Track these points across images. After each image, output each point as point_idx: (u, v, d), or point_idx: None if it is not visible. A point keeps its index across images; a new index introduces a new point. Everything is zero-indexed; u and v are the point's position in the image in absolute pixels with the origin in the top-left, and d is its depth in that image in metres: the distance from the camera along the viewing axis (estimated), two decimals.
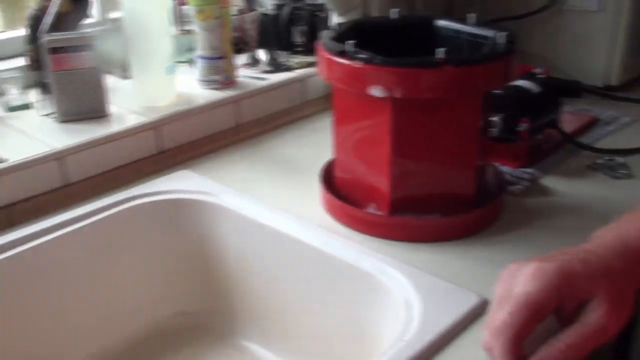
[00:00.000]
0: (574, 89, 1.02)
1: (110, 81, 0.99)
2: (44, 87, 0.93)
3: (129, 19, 0.93)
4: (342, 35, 0.78)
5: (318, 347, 0.79)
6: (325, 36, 0.77)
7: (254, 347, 0.86)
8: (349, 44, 0.71)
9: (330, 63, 0.73)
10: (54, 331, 0.80)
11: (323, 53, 0.75)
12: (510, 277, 0.53)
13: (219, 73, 1.02)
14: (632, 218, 0.56)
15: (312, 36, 1.15)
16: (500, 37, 0.74)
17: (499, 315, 0.50)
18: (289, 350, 0.83)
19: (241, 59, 1.13)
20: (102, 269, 0.84)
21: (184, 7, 1.14)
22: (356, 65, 0.70)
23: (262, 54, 1.12)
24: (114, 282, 0.85)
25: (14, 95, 0.96)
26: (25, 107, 0.96)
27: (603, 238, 0.55)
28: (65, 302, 0.81)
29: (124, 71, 1.07)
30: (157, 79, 0.97)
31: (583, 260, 0.52)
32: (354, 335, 0.75)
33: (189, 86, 1.04)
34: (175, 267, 0.89)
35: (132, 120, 0.92)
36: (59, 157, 0.84)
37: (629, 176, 0.90)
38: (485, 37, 0.78)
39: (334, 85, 0.77)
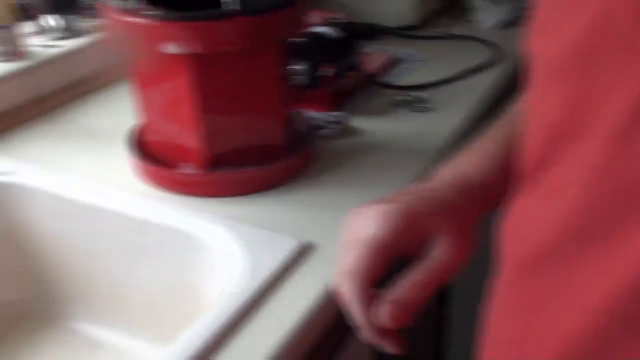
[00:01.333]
0: (371, 31, 1.06)
1: None
2: None
3: None
4: None
5: (149, 316, 0.78)
6: None
7: (85, 327, 0.83)
8: (133, 1, 0.68)
9: (118, 23, 0.70)
10: None
11: (109, 13, 0.71)
12: (356, 222, 0.53)
13: (3, 44, 0.94)
14: (469, 155, 0.57)
15: None
16: None
17: (347, 260, 0.50)
18: (120, 323, 0.80)
19: (29, 27, 1.05)
20: None
21: None
22: (146, 23, 0.68)
23: (52, 20, 1.05)
24: None
25: None
26: None
27: (444, 177, 0.56)
28: None
29: None
30: None
31: (426, 197, 0.53)
32: (182, 297, 0.74)
33: None
34: None
35: None
36: None
37: (428, 109, 0.96)
38: None
39: (127, 47, 0.74)
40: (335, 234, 0.69)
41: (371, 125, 0.92)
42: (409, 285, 0.49)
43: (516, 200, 0.47)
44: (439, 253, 0.50)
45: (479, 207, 0.55)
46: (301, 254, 0.66)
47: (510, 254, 0.46)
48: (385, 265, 0.50)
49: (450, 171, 0.56)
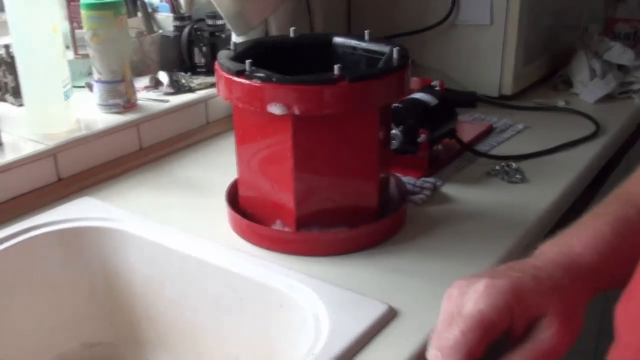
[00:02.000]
0: (469, 100, 1.06)
1: (2, 109, 0.95)
2: None
3: (18, 44, 0.90)
4: (240, 54, 0.78)
5: None
6: (222, 56, 0.77)
7: None
8: (247, 63, 0.71)
9: (229, 82, 0.73)
10: None
11: (221, 73, 0.75)
12: (460, 294, 0.51)
13: (119, 96, 1.00)
14: (575, 232, 0.55)
15: (213, 57, 1.15)
16: (395, 51, 0.76)
17: (450, 334, 0.49)
18: None
19: (142, 81, 1.12)
20: (3, 303, 0.80)
21: (79, 30, 1.11)
22: (254, 84, 0.71)
23: (163, 76, 1.11)
24: (18, 316, 0.81)
25: None
26: None
27: (548, 254, 0.53)
28: None
29: (18, 98, 1.03)
30: (52, 104, 0.93)
31: (533, 276, 0.51)
32: (266, 352, 0.74)
33: (89, 111, 1.02)
34: (81, 297, 0.86)
35: (28, 148, 0.89)
36: None
37: (524, 180, 0.94)
38: (380, 53, 0.80)
39: (234, 105, 0.77)
40: (423, 302, 0.68)
41: (464, 194, 0.91)
42: None
43: (636, 286, 0.45)
44: (545, 336, 0.48)
45: (588, 289, 0.52)
46: (386, 319, 0.66)
47: (627, 339, 0.44)
48: (488, 343, 0.49)
49: (556, 248, 0.54)
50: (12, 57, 0.97)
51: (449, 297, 0.52)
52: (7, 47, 1.00)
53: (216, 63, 0.77)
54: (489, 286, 0.50)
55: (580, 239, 0.54)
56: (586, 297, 0.52)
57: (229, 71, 0.73)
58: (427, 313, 0.66)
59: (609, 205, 0.56)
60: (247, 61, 0.71)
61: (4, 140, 0.90)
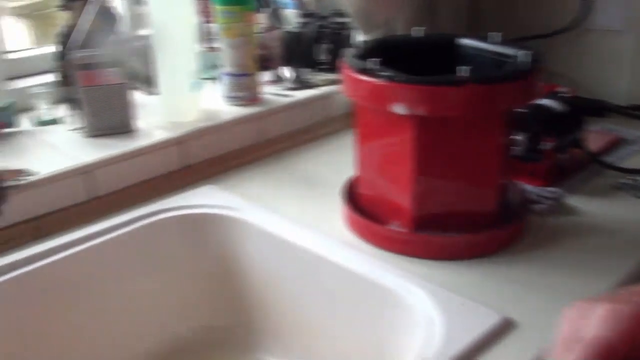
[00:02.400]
0: (598, 108, 1.02)
1: (137, 97, 1.01)
2: (72, 103, 0.95)
3: (157, 36, 0.95)
4: (365, 53, 0.78)
5: None
6: (349, 54, 0.78)
7: None
8: (373, 62, 0.72)
9: (354, 80, 0.74)
10: (77, 343, 0.81)
11: (347, 70, 0.75)
12: (579, 318, 0.49)
13: (244, 90, 1.03)
14: None
15: (336, 54, 1.16)
16: (525, 55, 0.74)
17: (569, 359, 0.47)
18: None
19: (266, 76, 1.15)
20: (125, 282, 0.84)
21: (210, 24, 1.15)
22: (379, 83, 0.71)
23: (286, 72, 1.14)
24: (137, 295, 0.86)
25: (44, 110, 0.98)
26: (54, 121, 0.98)
27: None
28: (87, 314, 0.82)
29: (151, 87, 1.08)
30: (182, 95, 0.98)
31: None
32: (375, 352, 0.74)
33: (214, 102, 1.06)
34: (198, 281, 0.90)
35: (157, 135, 0.94)
36: (86, 171, 0.85)
37: None
38: (508, 56, 0.78)
39: (357, 103, 0.78)
40: (541, 315, 0.66)
41: (588, 206, 0.87)
42: None
43: None
44: None
45: None
46: (501, 329, 0.64)
47: None
48: None
49: None
50: (147, 48, 1.02)
51: (567, 318, 0.50)
52: (143, 37, 1.05)
53: (342, 60, 0.78)
54: (610, 311, 0.48)
55: None
56: None
57: (354, 69, 0.74)
58: (545, 329, 0.63)
59: None
60: (374, 59, 0.72)
61: (137, 126, 0.96)
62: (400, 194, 0.76)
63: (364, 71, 0.72)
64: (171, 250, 0.88)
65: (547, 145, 0.87)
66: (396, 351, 0.71)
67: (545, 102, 0.92)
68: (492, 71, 0.79)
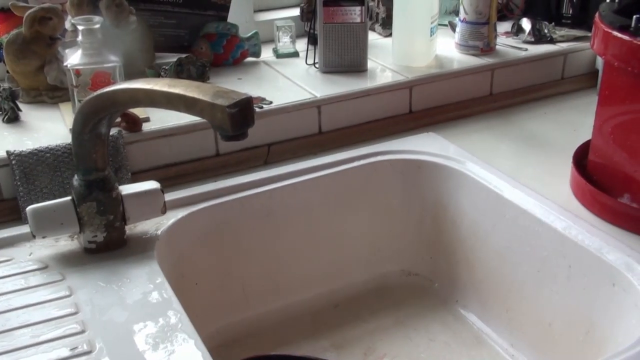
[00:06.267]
0: None
1: (371, 37, 1.02)
2: (312, 38, 0.99)
3: None
4: (624, 9, 0.72)
5: (540, 334, 0.76)
6: (605, 8, 0.72)
7: (473, 319, 0.86)
8: (634, 19, 0.65)
9: (609, 38, 0.68)
10: (289, 265, 0.87)
11: (601, 26, 0.70)
12: None
13: (480, 39, 1.00)
14: None
15: (582, 8, 1.08)
16: None
17: None
18: (508, 330, 0.81)
19: (503, 26, 1.10)
20: (339, 215, 0.88)
21: None
22: (638, 42, 0.65)
23: (526, 23, 1.08)
24: (348, 230, 0.89)
25: (285, 42, 1.04)
26: (294, 54, 1.03)
27: None
28: (303, 240, 0.87)
29: (385, 29, 1.09)
30: (418, 39, 0.97)
31: None
32: (584, 327, 0.71)
33: (447, 50, 1.04)
34: (408, 226, 0.91)
35: (387, 77, 0.95)
36: (317, 106, 0.89)
37: None
38: None
39: (607, 63, 0.72)
40: None
41: None
42: None
43: None
44: None
45: None
46: None
47: None
48: None
49: None
50: None
51: None
52: None
53: (597, 15, 0.72)
54: None
55: None
56: None
57: (610, 25, 0.68)
58: None
59: None
60: (635, 16, 0.65)
61: (369, 66, 0.97)
62: (637, 166, 0.70)
63: (622, 28, 0.66)
64: (386, 191, 0.89)
65: None
66: (608, 332, 0.67)
67: None
68: None
